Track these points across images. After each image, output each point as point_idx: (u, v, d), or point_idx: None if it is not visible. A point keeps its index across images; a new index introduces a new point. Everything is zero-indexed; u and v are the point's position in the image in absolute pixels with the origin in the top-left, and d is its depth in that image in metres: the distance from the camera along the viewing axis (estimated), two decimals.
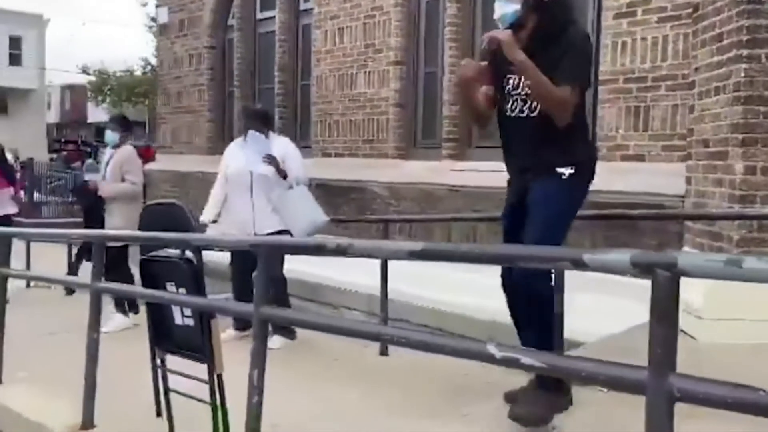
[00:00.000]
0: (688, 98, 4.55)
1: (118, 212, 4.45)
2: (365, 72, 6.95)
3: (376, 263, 4.06)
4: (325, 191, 7.21)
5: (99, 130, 28.93)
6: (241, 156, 4.17)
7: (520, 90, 2.62)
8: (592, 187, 5.32)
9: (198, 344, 2.41)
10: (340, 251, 1.70)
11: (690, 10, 4.34)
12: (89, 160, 8.34)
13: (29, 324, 4.60)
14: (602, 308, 4.15)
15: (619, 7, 4.92)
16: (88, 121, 37.35)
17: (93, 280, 2.73)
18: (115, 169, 4.44)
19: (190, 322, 2.44)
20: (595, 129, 5.23)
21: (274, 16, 8.16)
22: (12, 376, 3.54)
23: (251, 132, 4.11)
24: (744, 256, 1.09)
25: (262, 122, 4.28)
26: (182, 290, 2.43)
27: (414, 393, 3.11)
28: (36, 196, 14.52)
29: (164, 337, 2.58)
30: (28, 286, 6.70)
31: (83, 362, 3.74)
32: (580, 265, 1.27)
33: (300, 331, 4.06)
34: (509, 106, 2.65)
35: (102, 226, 4.69)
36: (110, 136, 4.65)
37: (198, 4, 9.18)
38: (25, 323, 4.40)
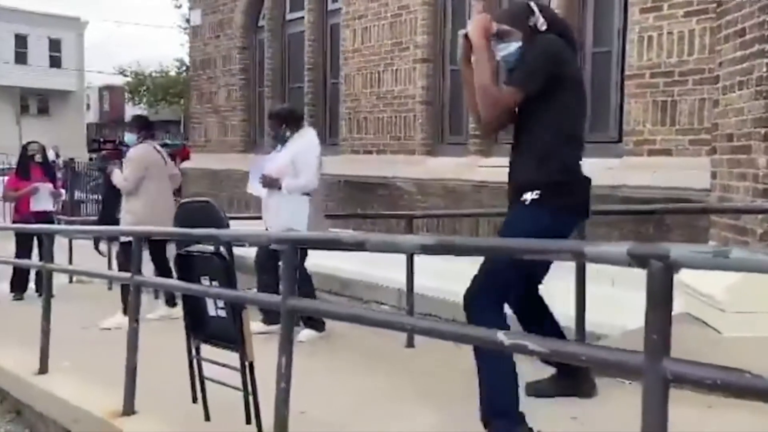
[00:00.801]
0: (714, 92, 4.54)
1: (127, 208, 4.76)
2: (392, 70, 7.04)
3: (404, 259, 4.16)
4: (353, 188, 7.36)
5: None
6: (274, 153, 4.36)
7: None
8: (619, 182, 5.32)
9: (230, 334, 2.55)
10: (357, 245, 1.81)
11: (715, 5, 4.32)
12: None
13: (72, 317, 4.83)
14: (623, 303, 4.18)
15: (644, 2, 4.91)
16: (126, 120, 38.21)
17: (133, 274, 2.90)
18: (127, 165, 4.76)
19: (223, 313, 2.58)
20: (621, 124, 5.25)
21: (303, 17, 8.30)
22: (56, 365, 3.74)
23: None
24: (731, 248, 1.16)
25: (283, 122, 4.35)
26: (215, 283, 2.58)
27: (440, 383, 3.20)
28: (77, 194, 14.99)
29: (199, 327, 2.73)
30: (70, 281, 7.01)
31: (120, 352, 3.95)
32: (580, 256, 1.35)
33: (327, 324, 4.20)
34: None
35: (113, 221, 4.99)
36: (128, 136, 4.90)
37: (230, 5, 9.39)
38: (68, 316, 4.61)
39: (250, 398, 2.50)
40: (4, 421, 3.84)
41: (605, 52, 5.44)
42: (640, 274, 1.35)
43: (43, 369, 3.65)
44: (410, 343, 3.93)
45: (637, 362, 1.29)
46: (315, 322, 4.18)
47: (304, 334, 4.13)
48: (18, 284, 6.27)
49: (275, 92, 8.88)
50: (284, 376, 2.09)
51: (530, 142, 2.39)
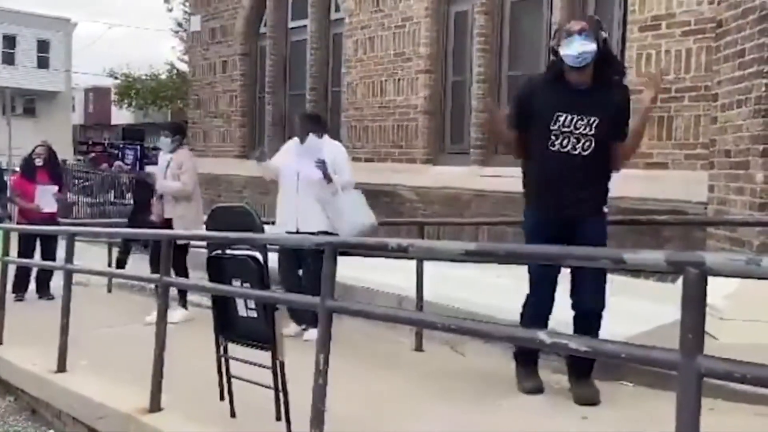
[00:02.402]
0: (710, 109, 4.74)
1: (179, 213, 4.74)
2: (395, 80, 7.20)
3: (404, 265, 4.24)
4: None
5: (124, 131, 29.49)
6: (294, 157, 4.37)
7: (572, 128, 2.82)
8: (618, 194, 5.53)
9: (261, 334, 2.66)
10: (401, 250, 1.94)
11: (713, 25, 4.53)
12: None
13: (78, 318, 4.88)
14: (626, 310, 4.34)
15: (644, 21, 5.12)
16: (112, 122, 37.98)
17: (162, 275, 3.00)
18: (174, 170, 4.77)
19: (254, 313, 2.69)
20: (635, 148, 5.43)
21: (306, 25, 8.44)
22: (74, 364, 3.81)
23: (311, 136, 4.31)
24: (763, 256, 1.31)
25: (319, 125, 4.50)
26: (246, 285, 2.68)
27: (451, 384, 3.33)
28: (69, 196, 14.93)
29: (228, 327, 2.83)
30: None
31: (137, 352, 4.02)
32: (620, 263, 1.49)
33: (337, 328, 4.31)
34: (558, 142, 2.84)
35: (143, 224, 5.03)
36: (163, 140, 4.96)
37: (231, 12, 9.50)
38: (74, 318, 4.65)
39: (281, 395, 2.60)
40: (21, 418, 3.90)
41: None
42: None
43: (62, 367, 3.72)
44: (419, 347, 4.05)
45: (673, 359, 1.42)
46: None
47: (311, 333, 4.24)
48: (19, 285, 6.30)
49: (276, 99, 8.99)
50: (322, 374, 2.21)
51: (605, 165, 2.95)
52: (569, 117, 2.81)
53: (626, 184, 5.25)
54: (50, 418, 3.77)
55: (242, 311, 2.74)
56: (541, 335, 1.58)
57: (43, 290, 6.21)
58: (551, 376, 3.29)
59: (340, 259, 2.23)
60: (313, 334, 4.26)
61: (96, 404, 3.23)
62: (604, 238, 2.95)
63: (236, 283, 2.72)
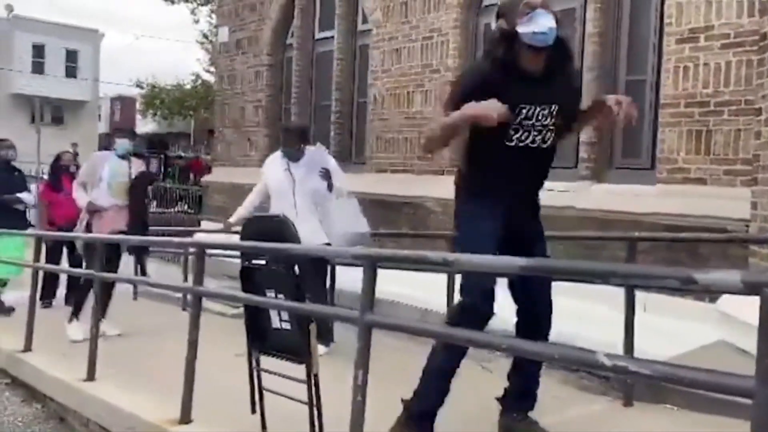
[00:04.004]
0: (751, 123, 4.61)
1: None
2: (422, 91, 7.15)
3: (420, 277, 4.16)
4: (379, 206, 7.42)
5: (149, 140, 29.85)
6: (284, 171, 4.37)
7: (534, 120, 2.51)
8: (651, 209, 5.40)
9: (295, 346, 2.60)
10: (445, 264, 1.87)
11: (755, 38, 4.41)
12: None
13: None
14: (664, 330, 4.22)
15: (681, 33, 5.02)
16: (137, 132, 38.48)
17: (194, 284, 2.96)
18: None
19: (288, 325, 2.63)
20: (655, 151, 5.32)
21: (333, 36, 8.45)
22: (102, 373, 3.79)
23: (309, 148, 4.40)
24: None
25: (308, 137, 4.55)
26: (281, 296, 2.63)
27: (480, 401, 3.24)
28: None
29: (261, 339, 2.78)
30: None
31: (163, 360, 3.99)
32: (690, 283, 1.41)
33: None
34: (516, 136, 2.51)
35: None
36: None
37: (258, 23, 9.56)
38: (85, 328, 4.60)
39: (315, 410, 2.54)
40: (49, 427, 3.88)
41: (639, 80, 5.53)
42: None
43: (91, 376, 3.70)
44: None
45: (747, 385, 1.34)
46: (323, 336, 4.24)
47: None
48: (48, 292, 6.33)
49: (302, 109, 9.00)
50: (360, 389, 2.15)
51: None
52: (532, 108, 2.48)
53: (663, 200, 5.16)
54: (78, 426, 3.74)
55: (276, 323, 2.68)
56: (601, 357, 1.50)
57: (71, 298, 6.24)
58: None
59: (350, 270, 2.19)
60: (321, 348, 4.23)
61: (126, 414, 3.19)
62: (544, 236, 2.70)
63: (270, 294, 2.67)
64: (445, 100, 2.59)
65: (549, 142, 2.57)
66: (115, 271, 4.34)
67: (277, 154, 4.59)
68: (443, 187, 6.83)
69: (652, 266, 1.43)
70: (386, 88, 7.55)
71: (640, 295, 3.71)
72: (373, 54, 7.74)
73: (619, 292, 3.29)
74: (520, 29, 2.41)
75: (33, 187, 7.17)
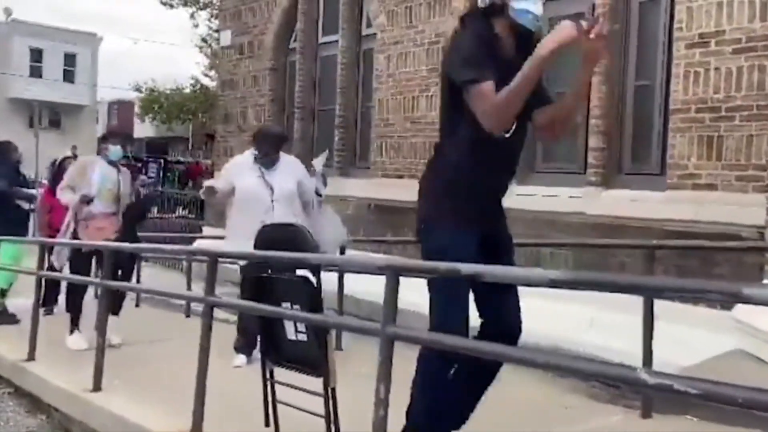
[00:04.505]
0: (764, 129, 4.57)
1: None
2: (428, 96, 7.10)
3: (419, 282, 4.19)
4: (383, 211, 7.37)
5: (148, 144, 29.77)
6: (253, 175, 4.26)
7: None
8: (661, 215, 5.36)
9: (311, 358, 2.54)
10: (475, 276, 1.81)
11: (766, 43, 4.38)
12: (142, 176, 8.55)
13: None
14: (678, 339, 4.16)
15: (691, 38, 4.97)
16: (135, 136, 38.40)
17: (206, 294, 2.90)
18: None
19: (304, 337, 2.57)
20: (665, 157, 5.27)
21: (336, 41, 8.40)
22: (108, 383, 3.72)
23: (287, 156, 4.47)
24: None
25: (281, 145, 4.47)
26: (296, 307, 2.57)
27: (493, 415, 3.18)
28: None
29: (275, 351, 2.72)
30: (96, 297, 6.99)
31: (167, 370, 3.92)
32: (737, 298, 1.35)
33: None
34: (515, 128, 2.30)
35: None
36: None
37: (261, 27, 9.50)
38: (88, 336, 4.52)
39: (332, 423, 2.47)
40: None
41: (647, 85, 5.49)
42: None
43: (97, 386, 3.63)
44: None
45: None
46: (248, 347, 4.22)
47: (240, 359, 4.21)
48: (49, 298, 6.25)
49: (305, 114, 8.95)
50: (382, 402, 2.08)
51: None
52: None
53: (673, 206, 5.11)
54: None
55: (291, 335, 2.62)
56: (643, 375, 1.44)
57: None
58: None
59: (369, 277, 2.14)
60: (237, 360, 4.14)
61: (134, 426, 3.12)
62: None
63: (285, 305, 2.61)
64: (460, 71, 2.26)
65: (518, 132, 2.34)
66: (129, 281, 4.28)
67: (247, 159, 4.42)
68: None
69: (696, 280, 1.38)
70: (391, 92, 7.49)
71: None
72: (378, 58, 7.69)
73: (625, 298, 3.23)
74: (515, 4, 2.23)
75: (34, 191, 7.11)
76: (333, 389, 2.47)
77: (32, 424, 3.98)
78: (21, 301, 5.77)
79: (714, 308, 4.53)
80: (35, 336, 4.45)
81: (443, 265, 1.86)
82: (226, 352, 4.10)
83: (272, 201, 4.23)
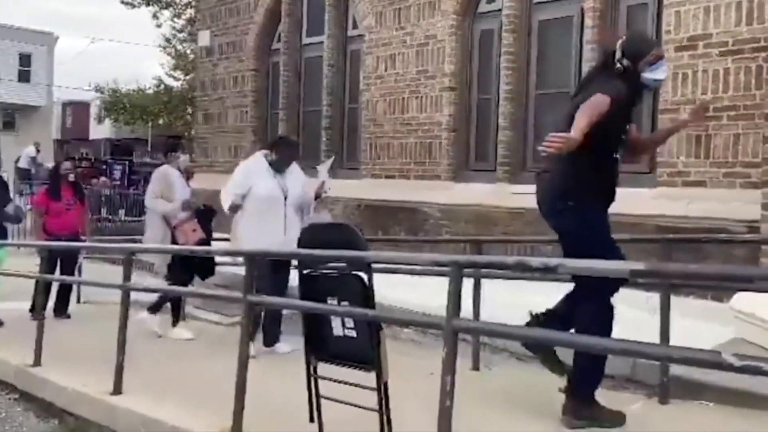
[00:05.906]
0: (750, 128, 4.82)
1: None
2: (418, 97, 7.20)
3: (418, 281, 4.26)
4: (373, 211, 7.44)
5: (113, 146, 29.00)
6: (269, 177, 4.42)
7: (624, 137, 3.09)
8: (655, 211, 5.59)
9: (361, 354, 2.60)
10: (549, 270, 1.91)
11: (755, 45, 4.62)
12: None
13: (105, 337, 4.71)
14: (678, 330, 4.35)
15: (680, 41, 5.21)
16: (90, 137, 37.38)
17: (245, 293, 2.92)
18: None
19: (353, 333, 2.63)
20: (655, 155, 5.49)
21: (322, 42, 8.42)
22: (128, 384, 3.68)
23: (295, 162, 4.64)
24: None
25: (296, 153, 4.72)
26: (344, 303, 2.63)
27: (518, 402, 3.30)
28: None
29: (320, 347, 2.76)
30: (78, 301, 6.86)
31: (184, 370, 3.91)
32: None
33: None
34: (617, 151, 3.07)
35: None
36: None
37: (242, 28, 9.45)
38: (101, 337, 4.45)
39: (384, 417, 2.54)
40: None
41: None
42: None
43: (118, 389, 3.60)
44: (475, 366, 4.01)
45: None
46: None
47: (281, 347, 4.44)
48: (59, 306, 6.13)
49: (290, 115, 8.95)
50: (449, 394, 2.16)
51: None
52: (628, 128, 3.11)
53: (664, 203, 5.33)
54: None
55: (338, 331, 2.67)
56: (729, 358, 1.55)
57: (61, 310, 6.03)
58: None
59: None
60: (283, 347, 4.39)
61: (169, 428, 3.12)
62: None
63: (332, 301, 2.66)
64: (599, 111, 2.84)
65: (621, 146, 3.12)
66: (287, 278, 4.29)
67: (261, 162, 4.53)
68: (440, 193, 6.92)
69: (754, 268, 1.50)
70: (380, 93, 7.57)
71: (646, 295, 3.84)
72: (366, 60, 7.76)
73: (623, 292, 3.39)
74: (645, 74, 2.95)
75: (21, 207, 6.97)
76: (386, 383, 2.53)
77: (45, 429, 3.91)
78: (13, 305, 5.66)
79: (704, 299, 4.76)
80: (41, 341, 4.37)
81: (510, 259, 1.94)
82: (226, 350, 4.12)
83: (285, 204, 4.41)
